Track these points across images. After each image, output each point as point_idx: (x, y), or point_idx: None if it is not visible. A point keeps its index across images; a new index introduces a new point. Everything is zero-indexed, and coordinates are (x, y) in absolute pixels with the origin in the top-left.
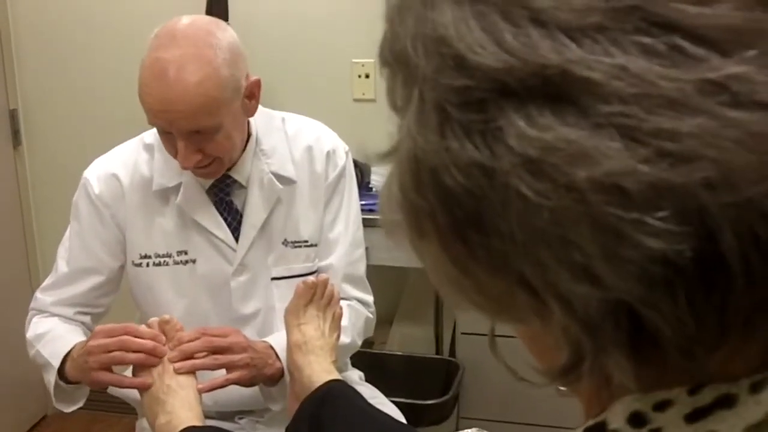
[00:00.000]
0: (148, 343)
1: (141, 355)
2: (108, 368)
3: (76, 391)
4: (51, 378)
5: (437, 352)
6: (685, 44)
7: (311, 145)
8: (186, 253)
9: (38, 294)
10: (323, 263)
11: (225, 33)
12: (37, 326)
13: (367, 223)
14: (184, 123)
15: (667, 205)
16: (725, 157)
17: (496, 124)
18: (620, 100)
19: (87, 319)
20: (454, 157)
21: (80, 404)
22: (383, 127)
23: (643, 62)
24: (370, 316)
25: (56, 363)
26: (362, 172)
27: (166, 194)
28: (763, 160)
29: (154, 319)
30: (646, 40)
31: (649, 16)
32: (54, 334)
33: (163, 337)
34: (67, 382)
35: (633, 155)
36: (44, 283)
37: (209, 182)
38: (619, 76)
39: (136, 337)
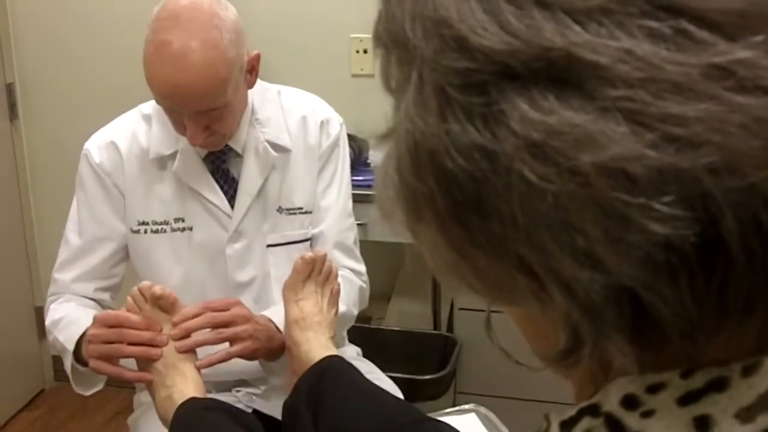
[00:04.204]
0: (146, 334)
1: (140, 348)
2: (107, 358)
3: (93, 374)
4: (68, 363)
5: (435, 328)
6: (691, 28)
7: (306, 116)
8: (183, 220)
9: (55, 275)
10: (314, 231)
11: (227, 12)
12: (54, 312)
13: (364, 199)
14: (194, 104)
15: (672, 189)
16: (730, 143)
17: (499, 107)
18: (626, 84)
19: (106, 296)
20: (455, 140)
21: (99, 387)
22: (382, 102)
23: (648, 46)
24: (364, 285)
25: (71, 347)
26: (360, 148)
27: (163, 162)
28: (766, 146)
29: (145, 283)
30: (652, 23)
31: (655, 0)
32: (70, 318)
33: (159, 324)
34: (84, 364)
35: (639, 140)
36: (58, 262)
37: (206, 151)
38: (624, 60)
39: (132, 328)
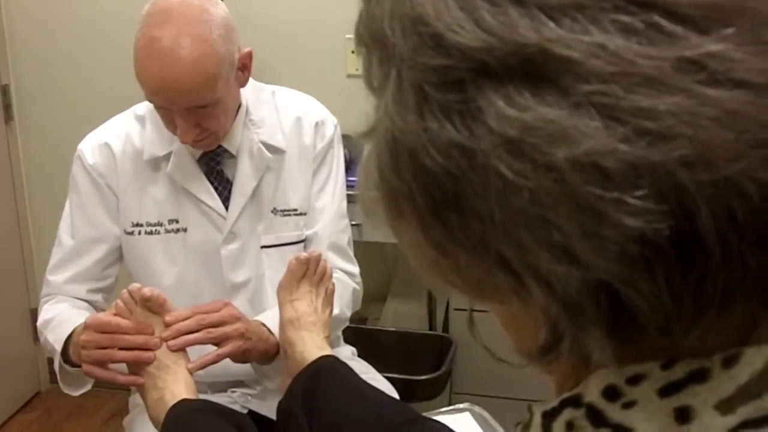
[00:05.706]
0: (138, 338)
1: (133, 353)
2: (100, 363)
3: (81, 374)
4: (56, 363)
5: (430, 328)
6: (663, 22)
7: (300, 116)
8: (177, 221)
9: (48, 276)
10: (309, 232)
11: (217, 8)
12: (46, 313)
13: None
14: (184, 100)
15: (645, 183)
16: (702, 136)
17: (476, 104)
18: (599, 78)
19: (99, 297)
20: (433, 138)
21: (88, 387)
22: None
23: (621, 40)
24: (357, 287)
25: (59, 347)
26: (355, 148)
27: (157, 163)
28: (739, 139)
29: (134, 286)
30: (625, 18)
31: None
32: (60, 319)
33: (151, 327)
34: (73, 365)
35: (612, 134)
36: (51, 263)
37: (200, 152)
38: (597, 55)
39: (123, 332)
